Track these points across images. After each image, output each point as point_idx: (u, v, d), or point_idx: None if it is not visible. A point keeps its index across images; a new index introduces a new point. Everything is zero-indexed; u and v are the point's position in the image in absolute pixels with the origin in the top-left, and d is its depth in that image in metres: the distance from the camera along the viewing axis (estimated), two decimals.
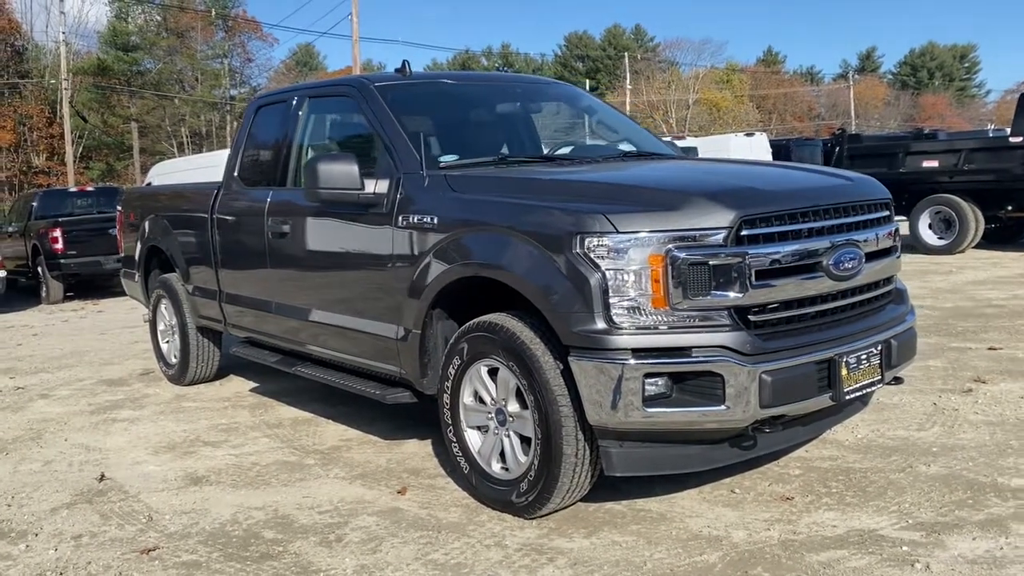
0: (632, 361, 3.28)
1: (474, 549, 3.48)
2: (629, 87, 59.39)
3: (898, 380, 4.07)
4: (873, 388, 3.75)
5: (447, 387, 3.97)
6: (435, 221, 3.99)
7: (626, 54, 62.23)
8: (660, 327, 3.33)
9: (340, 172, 4.22)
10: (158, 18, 52.90)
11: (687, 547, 3.39)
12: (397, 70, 4.98)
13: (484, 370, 3.81)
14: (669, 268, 3.29)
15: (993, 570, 3.08)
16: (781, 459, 4.28)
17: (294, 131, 5.23)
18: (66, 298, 14.58)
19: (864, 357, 3.65)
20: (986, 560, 3.14)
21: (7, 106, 44.32)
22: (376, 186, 4.30)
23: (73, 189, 17.64)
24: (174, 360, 6.73)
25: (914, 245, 13.27)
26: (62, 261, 14.53)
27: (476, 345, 3.79)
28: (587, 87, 63.56)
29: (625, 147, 5.12)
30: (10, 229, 16.67)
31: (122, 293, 8.78)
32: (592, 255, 3.33)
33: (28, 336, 10.44)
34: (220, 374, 6.79)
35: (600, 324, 3.33)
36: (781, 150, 20.30)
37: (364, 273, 4.49)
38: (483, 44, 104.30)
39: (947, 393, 5.31)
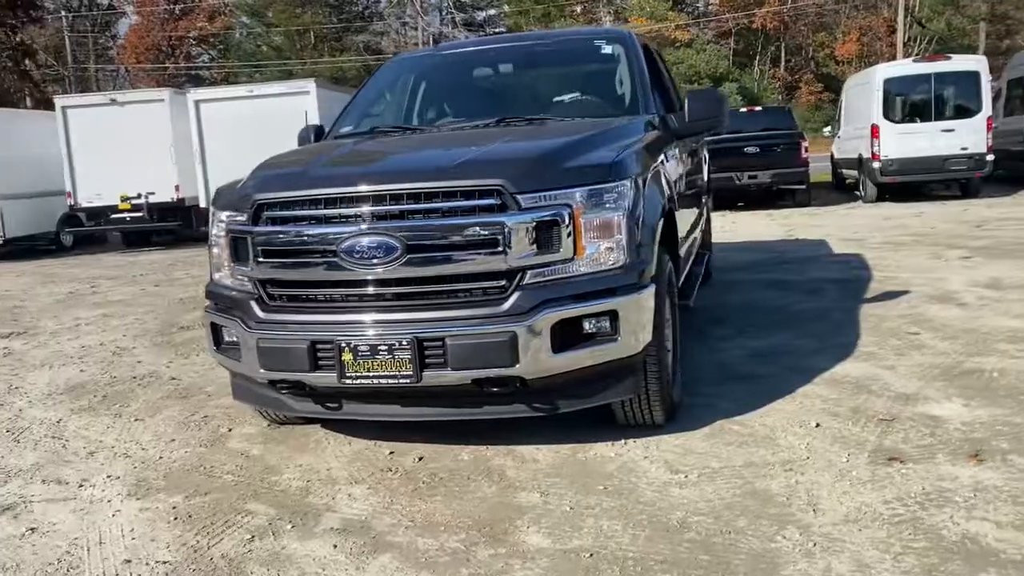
0: (210, 310, 4.14)
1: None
2: None
3: (496, 382, 3.57)
4: (401, 383, 3.57)
5: None
6: None
7: None
8: (233, 288, 4.06)
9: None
10: None
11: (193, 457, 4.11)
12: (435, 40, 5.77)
13: None
14: (228, 240, 3.98)
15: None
16: (448, 447, 4.11)
17: None
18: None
19: (384, 348, 3.56)
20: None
21: (852, 20, 47.17)
22: None
23: (743, 110, 19.33)
24: None
25: None
26: None
27: None
28: None
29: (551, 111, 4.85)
30: None
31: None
32: (213, 224, 4.21)
33: None
34: None
35: (209, 278, 4.24)
36: None
37: None
38: None
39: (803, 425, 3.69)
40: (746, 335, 5.95)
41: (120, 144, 16.62)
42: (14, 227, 17.25)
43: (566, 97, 5.04)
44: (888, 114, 15.67)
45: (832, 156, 20.29)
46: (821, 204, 16.47)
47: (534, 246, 3.52)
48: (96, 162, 16.77)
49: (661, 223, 3.98)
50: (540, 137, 4.19)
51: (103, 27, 54.95)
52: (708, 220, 7.52)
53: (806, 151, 16.37)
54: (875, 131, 15.73)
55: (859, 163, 16.69)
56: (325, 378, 3.70)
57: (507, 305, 3.53)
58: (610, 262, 3.66)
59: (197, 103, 16.49)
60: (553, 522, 3.30)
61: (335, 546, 3.24)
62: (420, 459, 4.04)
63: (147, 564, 3.20)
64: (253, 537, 3.36)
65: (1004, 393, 4.39)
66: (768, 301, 7.06)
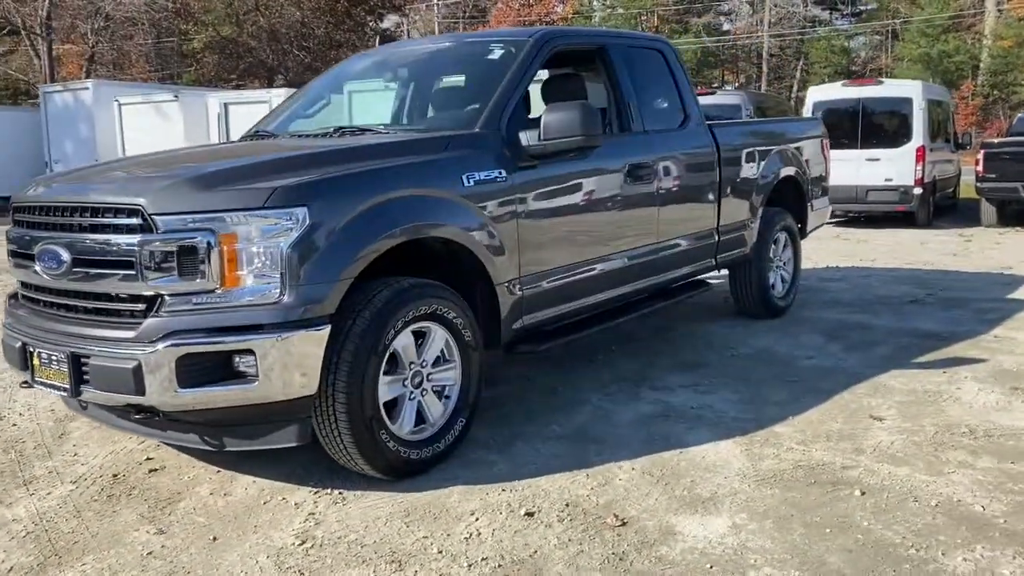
0: None
1: None
2: None
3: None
4: (63, 394, 3.61)
5: None
6: None
7: None
8: None
9: None
10: None
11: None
12: None
13: None
14: None
15: None
16: (198, 464, 3.98)
17: None
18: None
19: (54, 359, 3.61)
20: None
21: None
22: None
23: None
24: None
25: None
26: (979, 185, 14.18)
27: None
28: None
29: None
30: None
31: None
32: None
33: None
34: None
35: None
36: None
37: None
38: None
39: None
40: (692, 389, 5.03)
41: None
42: None
43: (400, 112, 4.68)
44: None
45: None
46: None
47: (174, 272, 3.34)
48: None
49: (364, 254, 3.52)
50: (248, 155, 3.94)
51: (480, 12, 59.62)
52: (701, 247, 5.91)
53: None
54: None
55: None
56: (25, 376, 3.85)
57: (139, 331, 3.38)
58: (263, 296, 3.34)
59: None
60: (114, 564, 3.15)
61: None
62: (153, 471, 4.05)
63: None
64: None
65: (818, 519, 3.29)
66: (792, 350, 5.86)
